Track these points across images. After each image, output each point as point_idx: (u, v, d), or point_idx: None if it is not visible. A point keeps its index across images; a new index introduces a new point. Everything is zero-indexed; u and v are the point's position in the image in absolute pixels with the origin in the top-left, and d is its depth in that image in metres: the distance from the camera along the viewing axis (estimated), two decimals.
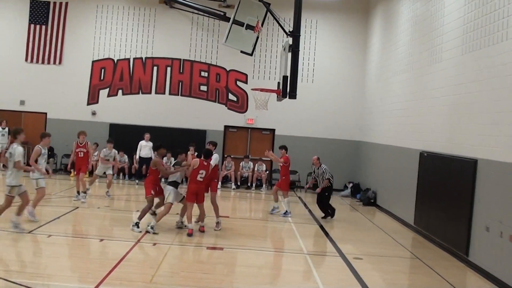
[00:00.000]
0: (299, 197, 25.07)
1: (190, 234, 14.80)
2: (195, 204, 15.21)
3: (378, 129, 24.04)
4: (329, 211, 19.69)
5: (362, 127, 27.23)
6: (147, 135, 25.42)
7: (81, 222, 16.40)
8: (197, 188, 15.13)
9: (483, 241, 13.23)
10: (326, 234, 16.87)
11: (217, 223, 16.16)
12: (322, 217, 19.58)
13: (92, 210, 18.09)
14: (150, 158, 22.95)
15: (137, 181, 25.62)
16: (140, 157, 25.40)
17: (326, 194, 19.65)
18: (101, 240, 14.05)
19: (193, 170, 15.15)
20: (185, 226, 15.44)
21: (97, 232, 15.29)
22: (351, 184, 26.76)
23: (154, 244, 13.86)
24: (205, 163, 15.30)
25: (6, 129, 26.61)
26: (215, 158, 16.34)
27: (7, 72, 28.15)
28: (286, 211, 19.47)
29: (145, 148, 25.23)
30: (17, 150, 13.71)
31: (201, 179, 15.17)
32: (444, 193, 15.80)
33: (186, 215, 15.10)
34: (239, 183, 26.61)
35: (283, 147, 19.94)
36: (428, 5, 18.45)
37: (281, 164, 19.53)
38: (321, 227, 17.94)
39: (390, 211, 21.40)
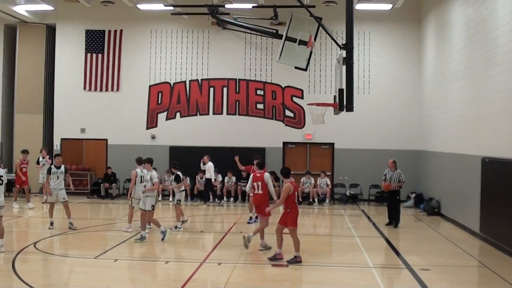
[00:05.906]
0: (362, 210, 24.86)
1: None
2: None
3: (438, 137, 23.69)
4: (393, 220, 20.12)
5: (421, 136, 26.86)
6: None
7: (147, 245, 16.39)
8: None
9: None
10: (392, 246, 16.69)
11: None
12: (386, 224, 20.03)
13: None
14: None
15: (202, 202, 25.87)
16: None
17: (398, 198, 20.33)
18: (166, 262, 14.22)
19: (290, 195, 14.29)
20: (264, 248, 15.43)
21: (163, 254, 15.40)
22: (414, 195, 26.33)
23: (219, 264, 13.93)
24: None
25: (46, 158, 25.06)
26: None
27: (67, 101, 28.91)
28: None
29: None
30: None
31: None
32: (510, 199, 15.44)
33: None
34: (300, 199, 26.39)
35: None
36: (480, 9, 18.18)
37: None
38: (386, 240, 17.75)
39: (455, 219, 21.00)
